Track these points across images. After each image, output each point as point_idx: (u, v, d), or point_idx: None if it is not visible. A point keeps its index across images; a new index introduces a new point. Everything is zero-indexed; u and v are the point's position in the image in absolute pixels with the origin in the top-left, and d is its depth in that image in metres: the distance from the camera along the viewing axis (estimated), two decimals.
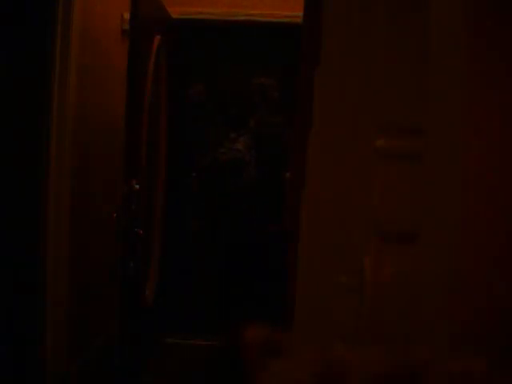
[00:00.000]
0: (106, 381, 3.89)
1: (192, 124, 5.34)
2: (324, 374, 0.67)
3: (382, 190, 1.12)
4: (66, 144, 3.29)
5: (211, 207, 5.08)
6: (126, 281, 3.69)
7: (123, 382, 3.78)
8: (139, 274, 4.01)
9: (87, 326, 3.80)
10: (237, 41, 5.33)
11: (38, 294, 3.21)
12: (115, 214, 3.55)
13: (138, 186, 3.72)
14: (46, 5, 3.20)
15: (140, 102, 4.00)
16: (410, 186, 1.07)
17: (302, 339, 1.55)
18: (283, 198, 3.69)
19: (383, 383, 0.67)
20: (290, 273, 2.40)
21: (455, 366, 0.66)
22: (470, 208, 0.79)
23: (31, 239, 3.21)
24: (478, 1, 0.78)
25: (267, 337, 0.78)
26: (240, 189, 4.63)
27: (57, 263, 3.27)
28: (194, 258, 5.35)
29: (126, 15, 4.03)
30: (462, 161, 0.79)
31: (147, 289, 4.41)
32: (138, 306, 4.11)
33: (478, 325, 0.78)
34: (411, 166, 1.07)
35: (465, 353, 0.71)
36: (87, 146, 3.73)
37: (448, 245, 0.81)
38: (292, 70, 3.90)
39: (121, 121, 3.95)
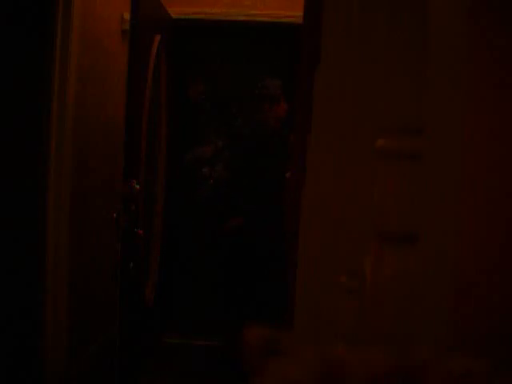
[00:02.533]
0: (106, 381, 3.88)
1: (192, 124, 5.34)
2: (324, 374, 0.67)
3: (381, 190, 1.12)
4: (65, 144, 3.29)
5: (211, 208, 5.08)
6: (126, 281, 3.69)
7: (123, 382, 3.78)
8: (139, 274, 4.01)
9: (87, 326, 3.80)
10: (237, 41, 5.33)
11: (38, 294, 3.21)
12: (115, 214, 3.55)
13: (138, 186, 3.72)
14: (46, 5, 3.20)
15: (140, 102, 4.00)
16: (409, 185, 1.07)
17: (302, 339, 1.55)
18: (283, 198, 3.69)
19: (383, 383, 0.67)
20: (290, 273, 2.40)
21: (455, 366, 0.66)
22: (470, 208, 0.79)
23: (31, 239, 3.20)
24: (478, 1, 0.78)
25: (267, 337, 0.78)
26: (240, 190, 4.62)
27: (57, 263, 3.27)
28: (194, 258, 5.35)
29: (126, 15, 4.03)
30: (462, 161, 0.79)
31: (147, 289, 4.41)
32: (138, 306, 4.11)
33: (478, 325, 0.78)
34: (411, 166, 1.07)
35: (465, 353, 0.71)
36: (87, 146, 3.73)
37: (448, 245, 0.81)
38: (292, 70, 3.90)
39: (121, 121, 3.95)
